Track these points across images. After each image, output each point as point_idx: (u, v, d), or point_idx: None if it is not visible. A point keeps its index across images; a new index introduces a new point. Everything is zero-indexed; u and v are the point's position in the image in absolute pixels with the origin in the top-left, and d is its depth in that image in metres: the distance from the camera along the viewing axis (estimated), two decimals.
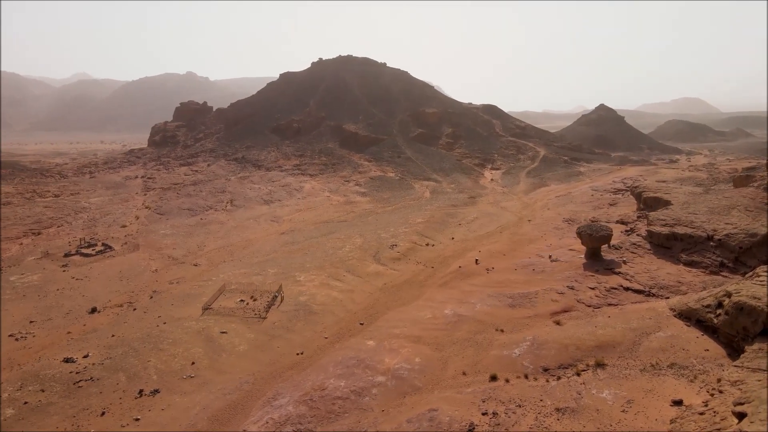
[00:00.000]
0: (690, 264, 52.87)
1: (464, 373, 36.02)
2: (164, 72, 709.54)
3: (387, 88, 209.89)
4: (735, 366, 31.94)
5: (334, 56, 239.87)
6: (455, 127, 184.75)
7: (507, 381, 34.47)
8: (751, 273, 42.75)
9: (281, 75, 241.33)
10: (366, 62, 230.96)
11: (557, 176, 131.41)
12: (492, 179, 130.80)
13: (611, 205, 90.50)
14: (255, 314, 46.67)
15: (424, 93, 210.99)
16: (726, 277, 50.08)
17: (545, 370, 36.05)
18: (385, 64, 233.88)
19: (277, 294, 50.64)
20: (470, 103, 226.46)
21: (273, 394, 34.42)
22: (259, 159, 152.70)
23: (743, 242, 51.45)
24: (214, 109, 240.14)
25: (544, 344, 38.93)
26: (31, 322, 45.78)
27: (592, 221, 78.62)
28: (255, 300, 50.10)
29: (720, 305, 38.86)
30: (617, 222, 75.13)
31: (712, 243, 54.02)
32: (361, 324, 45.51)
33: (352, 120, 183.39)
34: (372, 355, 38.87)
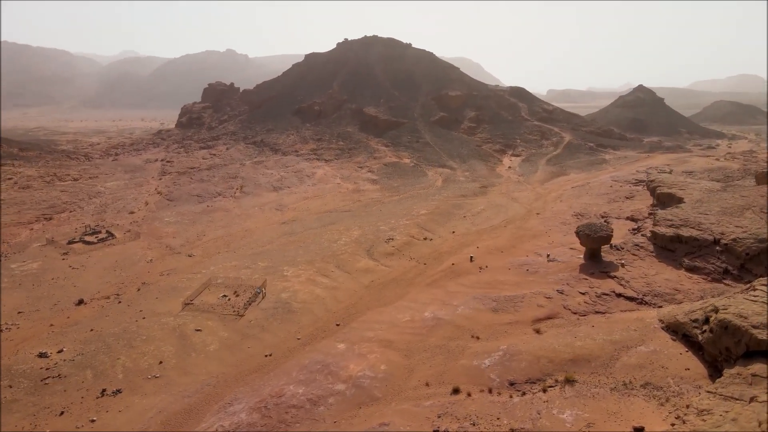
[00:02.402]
0: (692, 269, 49.92)
1: (427, 384, 35.03)
2: (205, 49, 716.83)
3: (410, 70, 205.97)
4: (708, 392, 29.89)
5: (360, 36, 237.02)
6: (479, 110, 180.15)
7: (469, 395, 33.36)
8: (748, 285, 40.03)
9: (306, 56, 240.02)
10: (390, 43, 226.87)
11: (579, 164, 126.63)
12: (509, 167, 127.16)
13: (628, 198, 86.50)
14: (234, 311, 46.74)
15: (449, 75, 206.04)
16: (728, 285, 47.05)
17: (511, 384, 34.70)
18: (410, 44, 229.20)
19: (259, 290, 50.53)
20: (497, 86, 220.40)
21: (230, 398, 34.33)
22: (277, 143, 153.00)
23: (751, 248, 48.12)
24: (240, 90, 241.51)
25: (516, 355, 37.48)
26: (19, 312, 47.15)
27: (603, 216, 75.44)
28: (238, 296, 50.19)
29: (707, 321, 36.50)
30: (627, 218, 71.78)
31: (718, 247, 50.79)
32: (338, 325, 44.95)
33: (374, 103, 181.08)
34: (338, 360, 38.29)
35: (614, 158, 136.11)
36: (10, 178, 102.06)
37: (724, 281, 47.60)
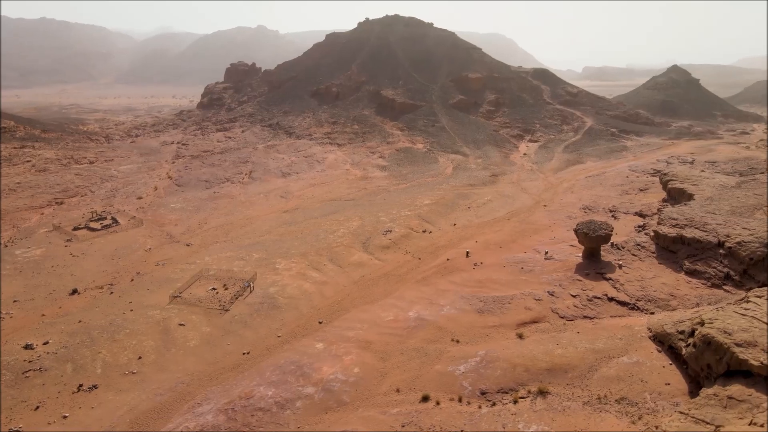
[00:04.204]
0: (692, 273, 47.85)
1: (398, 390, 34.63)
2: (237, 26, 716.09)
3: (431, 51, 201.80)
4: (680, 413, 28.69)
5: (382, 15, 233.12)
6: (499, 93, 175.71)
7: (438, 403, 32.85)
8: (743, 296, 38.07)
9: (327, 36, 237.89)
10: (412, 23, 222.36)
11: (597, 151, 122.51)
12: (525, 153, 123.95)
13: (642, 190, 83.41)
14: (220, 305, 47.02)
15: (470, 56, 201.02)
16: (728, 292, 45.01)
17: (482, 393, 34.01)
18: (431, 24, 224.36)
19: (248, 283, 50.68)
20: (520, 67, 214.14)
21: (201, 398, 34.62)
22: (292, 126, 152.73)
23: (755, 253, 45.68)
24: (262, 70, 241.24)
25: (493, 362, 36.69)
26: (14, 301, 48.43)
27: (611, 210, 72.97)
28: (227, 289, 50.46)
29: (692, 333, 34.94)
30: (636, 213, 69.22)
31: (721, 250, 48.45)
32: (320, 323, 44.78)
33: (392, 85, 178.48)
34: (314, 360, 38.20)
35: (636, 145, 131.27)
36: (28, 161, 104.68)
37: (724, 287, 45.47)
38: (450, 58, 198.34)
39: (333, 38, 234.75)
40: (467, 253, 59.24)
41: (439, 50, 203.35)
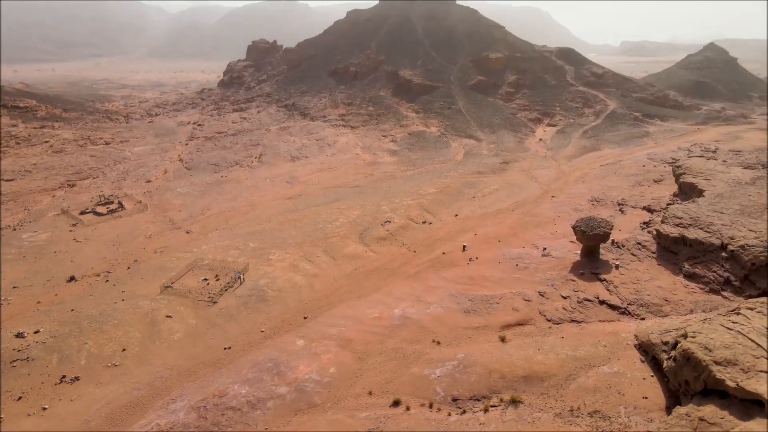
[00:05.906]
0: (691, 277, 46.08)
1: (370, 393, 34.56)
2: None
3: (452, 30, 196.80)
4: None
5: None
6: (521, 74, 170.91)
7: (407, 409, 32.67)
8: (735, 307, 36.37)
9: (348, 13, 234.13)
10: None
11: (617, 138, 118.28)
12: (540, 139, 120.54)
13: (656, 181, 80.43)
14: (209, 297, 47.52)
15: (492, 35, 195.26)
16: (726, 298, 43.26)
17: (454, 400, 33.65)
18: (454, 1, 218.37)
19: (238, 275, 51.04)
20: (544, 46, 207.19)
21: (177, 394, 35.22)
22: (308, 107, 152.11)
23: (758, 257, 43.60)
24: (282, 48, 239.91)
25: (469, 366, 36.21)
26: (14, 287, 49.89)
27: (619, 204, 70.66)
28: (218, 280, 50.96)
29: (675, 346, 33.66)
30: (644, 208, 66.89)
31: (724, 254, 46.41)
32: (305, 318, 44.85)
33: (411, 65, 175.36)
34: (292, 358, 38.38)
35: (659, 131, 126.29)
36: (47, 141, 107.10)
37: (723, 293, 43.67)
38: (471, 36, 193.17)
39: (354, 15, 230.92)
40: (464, 247, 58.32)
41: (461, 28, 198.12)
